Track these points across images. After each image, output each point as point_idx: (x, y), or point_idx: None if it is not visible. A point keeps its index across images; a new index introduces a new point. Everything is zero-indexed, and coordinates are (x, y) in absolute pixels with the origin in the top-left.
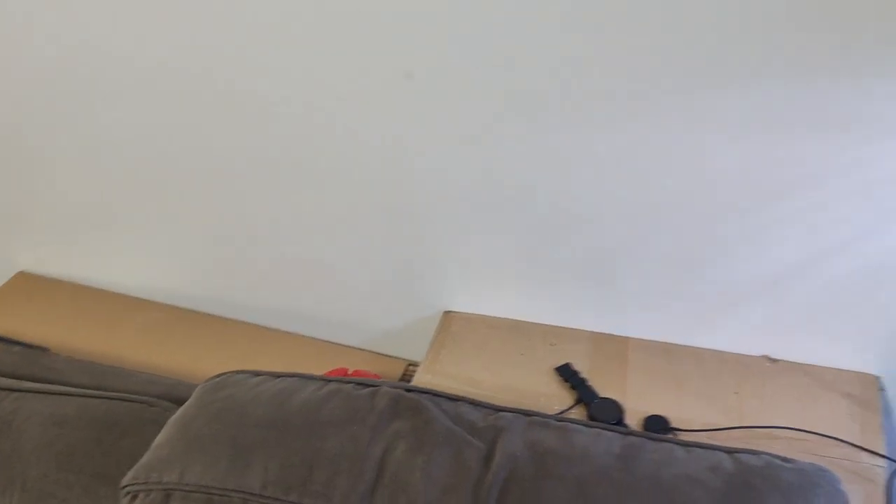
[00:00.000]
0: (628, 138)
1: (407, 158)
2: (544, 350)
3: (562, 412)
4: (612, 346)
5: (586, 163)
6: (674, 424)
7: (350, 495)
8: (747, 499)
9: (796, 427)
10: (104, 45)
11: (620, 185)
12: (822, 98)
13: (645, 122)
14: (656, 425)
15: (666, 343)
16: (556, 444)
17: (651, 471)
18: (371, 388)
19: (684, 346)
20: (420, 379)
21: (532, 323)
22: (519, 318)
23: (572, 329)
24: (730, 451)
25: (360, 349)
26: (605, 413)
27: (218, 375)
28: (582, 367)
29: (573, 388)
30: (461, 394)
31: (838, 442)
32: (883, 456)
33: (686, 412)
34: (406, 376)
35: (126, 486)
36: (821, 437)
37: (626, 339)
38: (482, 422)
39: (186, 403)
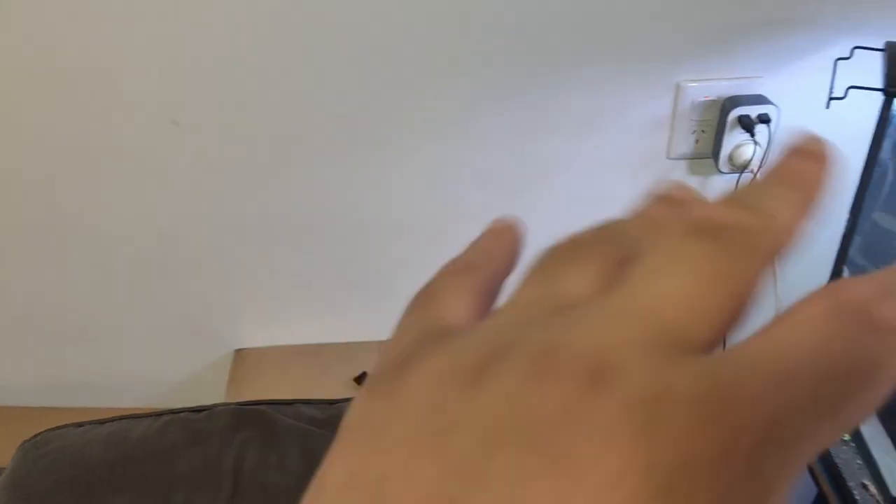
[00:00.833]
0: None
1: (169, 207)
2: (342, 366)
3: None
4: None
5: (353, 185)
6: None
7: None
8: None
9: None
10: None
11: (386, 203)
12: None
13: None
14: None
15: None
16: None
17: None
18: (206, 412)
19: None
20: None
21: (329, 344)
22: (315, 342)
23: (368, 342)
24: None
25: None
26: None
27: (34, 435)
28: None
29: None
30: None
31: None
32: None
33: None
34: None
35: None
36: None
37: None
38: (322, 414)
39: (9, 467)
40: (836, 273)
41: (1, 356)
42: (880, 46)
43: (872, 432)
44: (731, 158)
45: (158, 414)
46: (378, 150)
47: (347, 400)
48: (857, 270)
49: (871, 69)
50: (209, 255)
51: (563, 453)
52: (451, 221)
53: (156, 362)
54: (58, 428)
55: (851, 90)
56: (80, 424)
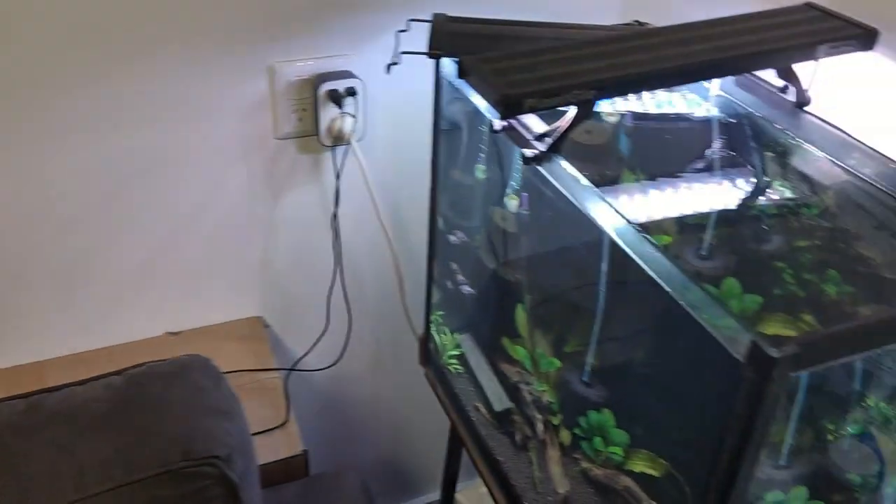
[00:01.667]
0: None
1: None
2: None
3: None
4: (28, 376)
5: None
6: None
7: None
8: (137, 393)
9: None
10: None
11: None
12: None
13: None
14: None
15: (79, 353)
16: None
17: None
18: None
19: (97, 349)
20: None
21: None
22: None
23: None
24: (118, 372)
25: None
26: None
27: None
28: None
29: None
30: None
31: (240, 373)
32: (275, 369)
33: None
34: None
35: None
36: (228, 373)
37: (41, 363)
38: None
39: None
40: (432, 222)
41: None
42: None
43: (477, 360)
44: (330, 132)
45: None
46: None
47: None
48: (448, 220)
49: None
50: None
51: None
52: (61, 222)
53: None
54: None
55: (405, 55)
56: None
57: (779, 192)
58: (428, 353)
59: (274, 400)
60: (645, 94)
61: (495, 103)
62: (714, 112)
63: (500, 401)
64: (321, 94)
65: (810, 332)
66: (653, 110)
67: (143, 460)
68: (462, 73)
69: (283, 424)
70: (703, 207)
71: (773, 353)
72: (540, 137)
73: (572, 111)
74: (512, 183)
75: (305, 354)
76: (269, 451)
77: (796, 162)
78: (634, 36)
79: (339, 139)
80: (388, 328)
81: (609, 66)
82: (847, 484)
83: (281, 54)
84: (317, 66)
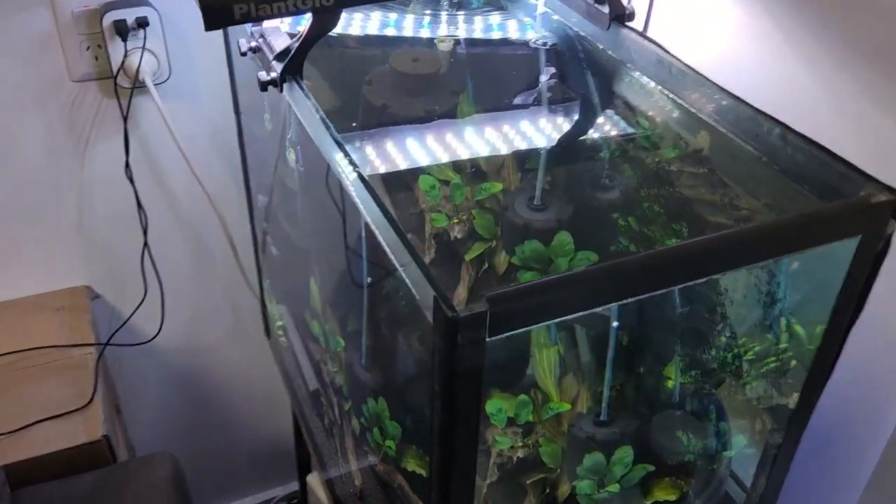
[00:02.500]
0: None
1: None
2: None
3: None
4: None
5: None
6: None
7: None
8: None
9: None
10: None
11: None
12: None
13: None
14: None
15: None
16: None
17: None
18: None
19: None
20: None
21: None
22: None
23: None
24: None
25: None
26: None
27: None
28: None
29: None
30: None
31: (48, 349)
32: (90, 344)
33: None
34: None
35: None
36: (31, 350)
37: None
38: None
39: None
40: (246, 181)
41: None
42: None
43: (294, 335)
44: (126, 72)
45: None
46: None
47: None
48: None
49: None
50: None
51: None
52: None
53: None
54: None
55: None
56: None
57: (612, 127)
58: (268, 324)
59: (79, 379)
60: (476, 17)
61: (202, 11)
62: (543, 34)
63: (313, 380)
64: (106, 26)
65: (505, 290)
66: (483, 36)
67: None
68: None
69: (85, 406)
70: (537, 145)
71: (454, 312)
72: (280, 56)
73: (309, 22)
74: (290, 133)
75: (120, 327)
76: (65, 436)
77: (622, 89)
78: None
79: (136, 79)
80: (228, 296)
81: None
82: (678, 446)
83: None
84: None
